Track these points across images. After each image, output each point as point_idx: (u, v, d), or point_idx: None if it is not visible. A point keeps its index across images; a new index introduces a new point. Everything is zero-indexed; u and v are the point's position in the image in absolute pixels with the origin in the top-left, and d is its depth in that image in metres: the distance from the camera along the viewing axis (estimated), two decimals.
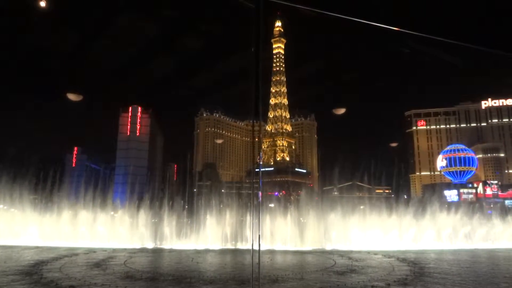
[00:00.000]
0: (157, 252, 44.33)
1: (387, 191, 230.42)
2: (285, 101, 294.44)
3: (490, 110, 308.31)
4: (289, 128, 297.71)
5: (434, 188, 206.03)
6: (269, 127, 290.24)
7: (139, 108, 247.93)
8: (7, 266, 30.62)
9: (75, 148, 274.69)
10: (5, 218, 55.88)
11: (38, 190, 64.34)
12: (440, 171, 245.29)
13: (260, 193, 17.39)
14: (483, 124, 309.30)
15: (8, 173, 58.08)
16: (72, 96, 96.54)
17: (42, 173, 66.27)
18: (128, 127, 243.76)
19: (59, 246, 48.56)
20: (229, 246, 49.62)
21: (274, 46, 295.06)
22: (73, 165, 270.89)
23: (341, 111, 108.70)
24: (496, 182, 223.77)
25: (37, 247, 45.70)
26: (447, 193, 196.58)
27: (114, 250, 43.87)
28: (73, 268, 30.31)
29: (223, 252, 44.55)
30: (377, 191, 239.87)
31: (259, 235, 13.12)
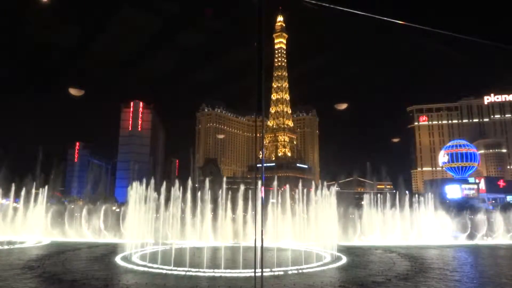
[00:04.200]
0: (158, 248, 44.45)
1: (389, 186, 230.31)
2: (286, 96, 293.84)
3: (493, 105, 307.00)
4: (290, 123, 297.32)
5: (436, 184, 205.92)
6: (270, 123, 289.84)
7: (141, 103, 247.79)
8: (10, 261, 30.82)
9: (77, 143, 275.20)
10: (8, 214, 56.15)
11: (40, 185, 64.53)
12: (442, 167, 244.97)
13: (262, 188, 17.29)
14: (485, 119, 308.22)
15: (11, 168, 58.26)
16: (73, 91, 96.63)
17: (45, 168, 66.50)
18: (130, 122, 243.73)
19: (61, 241, 48.87)
20: (232, 242, 49.68)
21: (276, 41, 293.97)
22: (75, 160, 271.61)
23: (343, 106, 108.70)
24: (498, 177, 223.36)
25: (39, 242, 45.95)
26: (448, 188, 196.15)
27: (116, 245, 44.05)
28: (75, 262, 30.50)
29: (225, 248, 44.60)
30: (379, 186, 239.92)
31: (261, 230, 13.10)
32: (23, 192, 56.36)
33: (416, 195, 66.76)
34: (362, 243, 50.78)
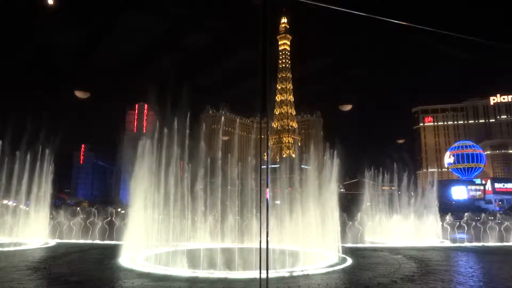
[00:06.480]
0: (164, 249, 44.53)
1: (393, 187, 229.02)
2: (291, 98, 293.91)
3: (499, 106, 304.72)
4: (295, 125, 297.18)
5: (441, 185, 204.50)
6: (275, 124, 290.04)
7: (146, 106, 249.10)
8: (16, 262, 31.04)
9: (83, 146, 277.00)
10: (15, 215, 56.55)
11: (46, 187, 64.86)
12: (447, 168, 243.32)
13: (267, 190, 17.30)
14: (491, 120, 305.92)
15: (17, 169, 58.66)
16: (79, 94, 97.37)
17: (50, 170, 66.76)
18: (135, 124, 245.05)
19: (67, 242, 49.14)
20: (236, 244, 49.57)
21: (280, 43, 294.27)
22: (81, 162, 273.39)
23: (348, 107, 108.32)
24: (504, 178, 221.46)
25: (46, 243, 46.24)
26: (454, 189, 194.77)
27: (122, 247, 44.19)
28: (81, 264, 30.67)
29: (229, 250, 44.61)
30: (383, 188, 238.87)
31: (267, 232, 13.08)
32: (24, 194, 56.69)
33: (421, 196, 66.41)
34: (367, 244, 50.56)
